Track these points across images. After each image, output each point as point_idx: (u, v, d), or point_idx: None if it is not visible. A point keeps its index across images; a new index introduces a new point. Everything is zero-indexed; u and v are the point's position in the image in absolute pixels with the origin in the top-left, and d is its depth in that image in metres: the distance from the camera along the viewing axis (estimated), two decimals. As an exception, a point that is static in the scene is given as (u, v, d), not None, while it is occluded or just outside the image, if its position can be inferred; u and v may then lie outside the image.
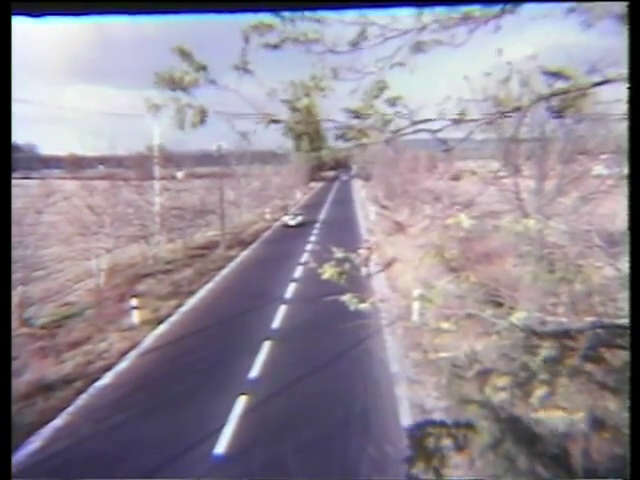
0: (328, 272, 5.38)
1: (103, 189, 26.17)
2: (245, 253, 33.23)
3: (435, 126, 4.40)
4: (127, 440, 11.07)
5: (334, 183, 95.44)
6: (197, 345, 16.79)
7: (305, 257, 27.78)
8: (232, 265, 29.70)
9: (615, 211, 12.91)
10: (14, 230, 17.04)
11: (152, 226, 29.67)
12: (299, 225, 43.16)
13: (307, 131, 4.34)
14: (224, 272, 27.87)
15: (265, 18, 4.02)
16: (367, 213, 48.49)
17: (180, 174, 38.82)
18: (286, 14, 3.97)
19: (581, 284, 6.75)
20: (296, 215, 45.41)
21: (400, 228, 35.67)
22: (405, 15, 4.00)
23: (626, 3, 1.92)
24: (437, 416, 11.35)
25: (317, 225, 43.18)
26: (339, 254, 5.36)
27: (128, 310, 19.04)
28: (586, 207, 14.42)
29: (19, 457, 10.35)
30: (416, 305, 13.83)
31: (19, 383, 12.86)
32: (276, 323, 18.72)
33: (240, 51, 4.19)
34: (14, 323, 16.67)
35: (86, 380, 14.20)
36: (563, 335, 5.91)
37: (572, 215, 13.49)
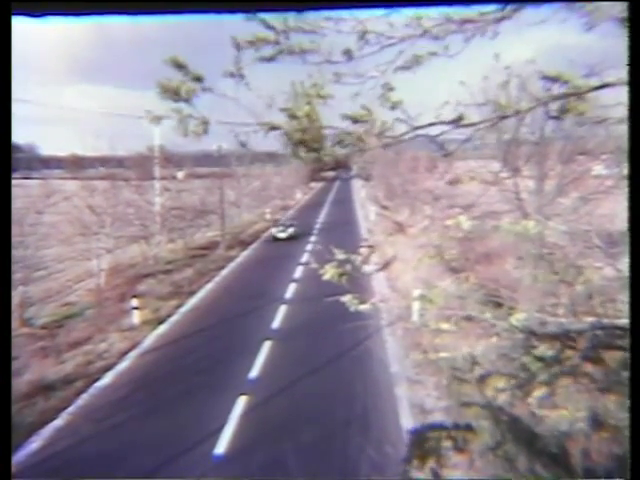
0: (329, 273, 5.39)
1: (103, 189, 26.18)
2: (245, 253, 33.23)
3: (434, 131, 4.40)
4: (127, 440, 11.08)
5: (334, 183, 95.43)
6: (197, 345, 16.81)
7: (305, 257, 27.76)
8: (232, 265, 29.71)
9: (615, 211, 12.91)
10: (15, 230, 17.06)
11: (152, 226, 29.68)
12: (290, 238, 36.91)
13: (306, 138, 4.35)
14: (224, 272, 27.87)
15: (259, 32, 4.02)
16: (367, 213, 48.47)
17: (180, 174, 38.81)
18: (280, 26, 3.97)
19: (581, 285, 6.75)
20: (286, 226, 38.81)
21: (400, 228, 35.66)
22: (401, 22, 4.00)
23: (626, 3, 1.92)
24: (437, 416, 11.36)
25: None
26: (340, 255, 5.37)
27: (128, 310, 19.06)
28: (586, 207, 14.41)
29: (19, 457, 10.37)
30: (416, 305, 13.84)
31: (19, 383, 12.87)
32: (276, 323, 18.73)
33: (237, 58, 4.20)
34: (14, 323, 16.69)
35: (86, 380, 14.21)
36: (563, 336, 5.92)
37: (572, 215, 13.49)
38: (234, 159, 43.41)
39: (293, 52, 4.16)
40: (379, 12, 3.78)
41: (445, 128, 4.42)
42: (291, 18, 3.97)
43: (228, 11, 1.77)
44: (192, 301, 22.29)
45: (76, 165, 31.94)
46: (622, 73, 3.52)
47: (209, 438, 11.13)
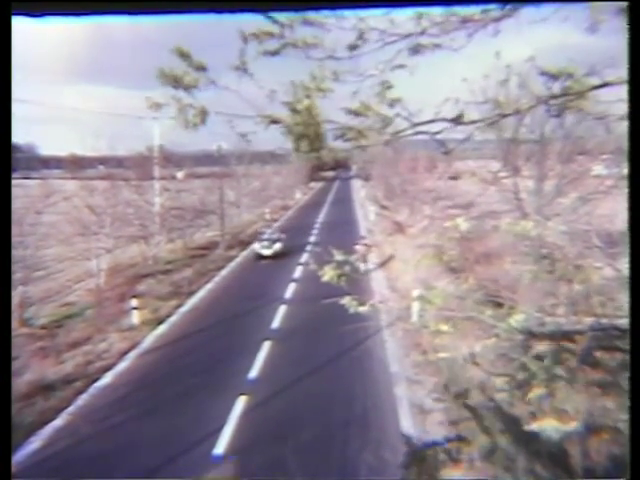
0: (328, 274, 5.38)
1: (103, 189, 26.17)
2: (245, 253, 33.22)
3: (434, 128, 4.40)
4: (127, 440, 11.08)
5: (334, 183, 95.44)
6: (197, 345, 16.80)
7: (305, 257, 27.76)
8: (232, 265, 29.70)
9: (614, 211, 12.92)
10: (14, 230, 17.04)
11: (152, 226, 29.68)
12: (277, 256, 30.20)
13: (307, 132, 4.35)
14: (224, 272, 27.87)
15: (264, 26, 4.03)
16: (367, 213, 48.45)
17: (180, 174, 38.80)
18: (284, 20, 3.98)
19: (580, 285, 6.75)
20: (273, 241, 31.32)
21: (400, 228, 35.65)
22: (404, 19, 4.00)
23: (626, 3, 1.92)
24: (436, 416, 11.35)
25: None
26: (339, 256, 5.36)
27: (128, 310, 19.05)
28: (585, 207, 14.44)
29: (19, 457, 10.36)
30: (415, 306, 13.83)
31: (19, 383, 12.87)
32: (276, 323, 18.72)
33: (240, 52, 4.20)
34: (14, 323, 16.68)
35: (86, 380, 14.21)
36: (562, 336, 5.92)
37: (571, 215, 13.51)
38: (234, 159, 43.36)
39: (297, 46, 4.16)
40: (380, 11, 3.79)
41: (445, 125, 4.43)
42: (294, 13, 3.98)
43: (229, 11, 1.77)
44: (192, 301, 22.29)
45: (76, 165, 31.93)
46: (622, 72, 3.53)
47: (209, 438, 11.13)
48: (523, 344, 6.17)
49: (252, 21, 4.05)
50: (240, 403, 12.66)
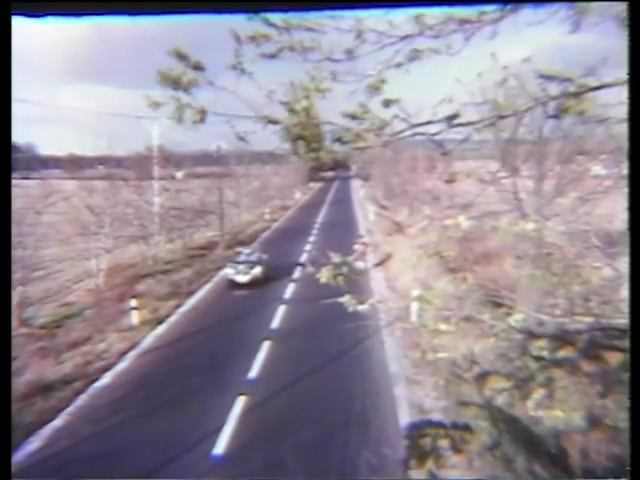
0: (325, 276, 5.39)
1: (102, 189, 26.19)
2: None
3: (433, 129, 4.41)
4: (126, 440, 11.07)
5: (333, 183, 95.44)
6: (196, 345, 16.79)
7: (304, 257, 27.75)
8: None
9: (613, 211, 12.92)
10: (13, 230, 17.04)
11: (151, 226, 29.68)
12: (256, 283, 23.69)
13: (305, 134, 4.36)
14: (223, 272, 27.83)
15: (261, 28, 4.03)
16: (366, 213, 48.45)
17: (179, 174, 38.81)
18: (281, 23, 3.98)
19: (579, 285, 6.76)
20: (251, 264, 24.45)
21: (399, 228, 35.67)
22: (402, 21, 4.01)
23: (626, 3, 1.93)
24: (435, 416, 11.36)
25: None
26: (336, 259, 5.37)
27: (127, 310, 19.05)
28: (584, 207, 14.42)
29: (18, 457, 10.36)
30: (415, 306, 13.83)
31: (18, 383, 12.86)
32: (275, 323, 18.72)
33: (236, 53, 4.21)
34: (13, 323, 16.67)
35: (85, 380, 14.21)
36: (561, 336, 5.93)
37: (570, 215, 13.49)
38: (233, 159, 43.38)
39: (294, 49, 4.17)
40: (379, 12, 3.79)
41: (443, 127, 4.43)
42: (292, 16, 3.98)
43: (228, 11, 1.78)
44: (191, 301, 22.28)
45: (75, 165, 31.99)
46: (620, 73, 3.53)
47: (208, 438, 11.13)
48: (522, 344, 6.19)
49: (249, 24, 4.05)
50: (240, 403, 12.66)
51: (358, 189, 76.00)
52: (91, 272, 23.33)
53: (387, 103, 4.36)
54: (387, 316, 14.85)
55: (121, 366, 15.38)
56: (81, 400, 13.21)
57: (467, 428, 6.94)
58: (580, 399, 6.32)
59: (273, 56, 4.20)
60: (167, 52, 4.19)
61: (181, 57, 4.22)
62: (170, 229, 31.88)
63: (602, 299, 6.84)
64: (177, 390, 13.36)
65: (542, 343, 5.96)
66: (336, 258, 5.41)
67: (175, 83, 4.24)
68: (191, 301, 22.30)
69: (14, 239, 17.46)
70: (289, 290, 22.89)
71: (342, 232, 35.65)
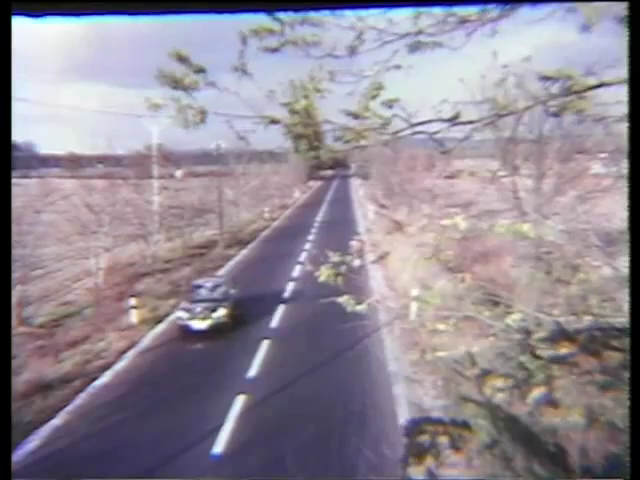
0: (324, 274, 5.40)
1: (102, 188, 26.19)
2: (244, 252, 33.21)
3: (433, 128, 4.41)
4: (126, 439, 11.07)
5: (333, 182, 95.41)
6: (195, 344, 16.78)
7: (303, 257, 27.75)
8: (230, 264, 29.67)
9: (613, 210, 12.93)
10: (13, 229, 17.02)
11: (151, 225, 29.64)
12: (220, 330, 17.29)
13: (305, 133, 4.36)
14: (222, 271, 27.83)
15: (264, 22, 4.03)
16: (365, 212, 48.43)
17: (179, 173, 38.83)
18: (285, 18, 3.98)
19: (578, 284, 6.77)
20: (213, 304, 17.81)
21: (398, 227, 35.65)
22: (402, 18, 4.01)
23: (626, 3, 1.93)
24: (435, 415, 11.36)
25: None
26: (335, 258, 5.38)
27: (127, 309, 19.04)
28: (584, 206, 14.43)
29: (18, 456, 10.35)
30: (414, 305, 13.84)
31: (18, 382, 12.85)
32: (274, 322, 18.71)
33: (239, 53, 4.21)
34: (13, 322, 16.66)
35: (85, 379, 14.21)
36: (560, 335, 5.94)
37: (570, 214, 13.50)
38: (233, 158, 43.34)
39: (297, 44, 4.17)
40: (379, 10, 3.79)
41: (443, 125, 4.44)
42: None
43: (228, 11, 1.78)
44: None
45: (74, 164, 31.93)
46: (619, 72, 3.54)
47: (207, 437, 11.13)
48: (521, 343, 6.19)
49: (252, 18, 4.05)
50: (239, 402, 12.66)
51: (357, 188, 75.97)
52: (90, 271, 23.32)
53: (387, 103, 4.37)
54: (386, 315, 14.87)
55: (120, 365, 15.38)
56: (80, 399, 13.21)
57: (466, 425, 6.96)
58: (579, 397, 6.33)
59: (275, 50, 4.20)
60: (168, 54, 4.19)
61: (182, 59, 4.22)
62: (169, 228, 31.86)
63: (601, 298, 6.84)
64: (176, 389, 13.37)
65: (541, 342, 5.97)
66: (335, 257, 5.41)
67: (175, 84, 4.24)
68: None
69: (13, 238, 17.44)
70: (288, 289, 22.83)
71: (341, 231, 35.62)
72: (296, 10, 3.56)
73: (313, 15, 4.01)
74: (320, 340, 16.38)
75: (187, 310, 17.57)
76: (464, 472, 7.47)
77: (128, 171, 30.12)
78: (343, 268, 5.42)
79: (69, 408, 12.70)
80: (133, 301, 19.05)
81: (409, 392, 13.03)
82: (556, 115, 4.42)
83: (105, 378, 14.46)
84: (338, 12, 3.89)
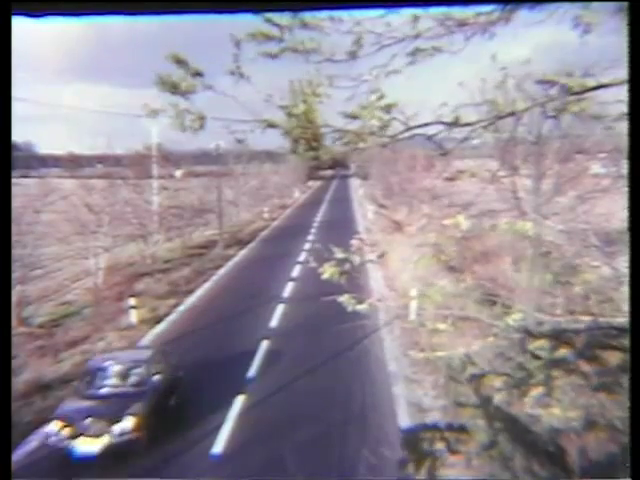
0: (328, 272, 5.41)
1: (101, 188, 26.16)
2: (243, 252, 33.20)
3: (431, 131, 4.42)
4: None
5: (332, 182, 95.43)
6: (195, 344, 16.78)
7: (303, 256, 27.75)
8: (230, 264, 29.69)
9: (612, 210, 12.93)
10: (12, 229, 17.02)
11: (150, 225, 29.65)
12: (117, 455, 10.19)
13: (304, 135, 4.37)
14: (222, 271, 27.85)
15: (262, 27, 4.04)
16: (365, 212, 48.44)
17: (178, 173, 38.79)
18: (283, 22, 3.99)
19: (578, 284, 6.78)
20: (117, 409, 10.65)
21: (398, 227, 35.66)
22: (401, 22, 4.01)
23: (626, 3, 1.93)
24: (434, 415, 11.37)
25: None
26: (339, 254, 5.39)
27: (126, 309, 19.04)
28: (583, 206, 14.43)
29: (17, 456, 10.35)
30: (414, 304, 13.84)
31: (17, 382, 12.86)
32: (274, 322, 18.72)
33: (233, 57, 4.21)
34: (12, 322, 16.66)
35: (84, 379, 14.17)
36: (559, 335, 5.94)
37: (569, 214, 13.51)
38: (232, 158, 43.36)
39: (296, 50, 4.18)
40: (377, 12, 3.79)
41: (442, 127, 4.44)
42: (293, 15, 3.98)
43: (228, 11, 1.78)
44: (190, 300, 22.28)
45: (74, 164, 31.85)
46: (618, 73, 3.54)
47: (207, 437, 11.13)
48: (521, 343, 6.20)
49: (251, 22, 4.05)
50: (238, 402, 12.65)
51: (357, 188, 75.98)
52: (90, 271, 23.32)
53: (386, 108, 4.38)
54: (386, 315, 14.87)
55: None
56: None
57: (463, 429, 6.96)
58: (578, 398, 6.33)
59: (274, 56, 4.21)
60: (166, 57, 4.19)
61: (180, 63, 4.23)
62: (169, 228, 31.87)
63: (601, 298, 6.86)
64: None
65: (540, 342, 5.98)
66: (339, 254, 5.43)
67: (174, 88, 4.25)
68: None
69: (13, 238, 17.43)
70: (288, 289, 22.83)
71: (341, 231, 35.62)
72: (294, 11, 3.56)
73: (311, 19, 4.01)
74: (320, 340, 16.37)
75: (68, 420, 10.54)
76: (463, 472, 7.47)
77: (127, 171, 30.09)
78: (347, 266, 5.44)
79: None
80: (132, 301, 19.06)
81: (408, 392, 13.04)
82: (554, 117, 4.43)
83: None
84: (336, 15, 3.90)
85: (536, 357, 6.05)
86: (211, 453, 10.66)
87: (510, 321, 5.74)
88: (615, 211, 12.34)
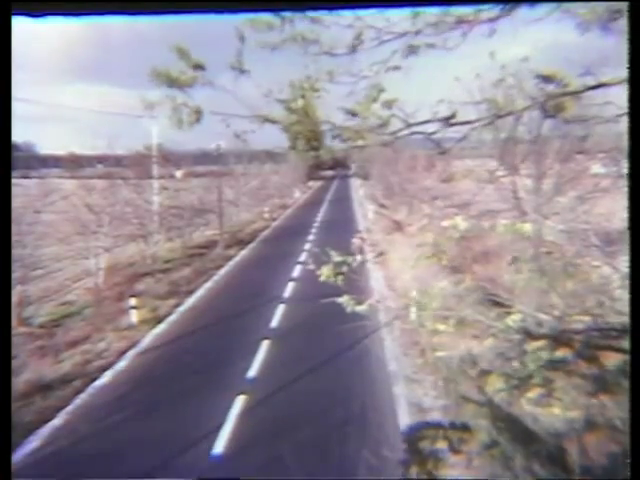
0: (325, 274, 5.40)
1: (102, 188, 26.16)
2: (244, 252, 33.20)
3: (431, 128, 4.42)
4: (126, 439, 11.07)
5: (333, 182, 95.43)
6: (196, 344, 16.80)
7: (304, 256, 27.74)
8: (231, 264, 29.69)
9: (613, 210, 12.93)
10: (13, 229, 17.02)
11: (151, 225, 29.64)
12: None
13: (303, 132, 4.37)
14: (223, 271, 27.85)
15: (262, 15, 4.04)
16: (365, 212, 48.44)
17: (179, 173, 38.82)
18: (285, 14, 3.98)
19: (578, 284, 6.77)
20: None
21: (398, 227, 35.66)
22: (401, 18, 4.02)
23: (626, 3, 1.93)
24: (435, 415, 11.37)
25: None
26: (337, 257, 5.38)
27: (127, 309, 19.04)
28: (583, 206, 14.45)
29: (17, 457, 10.35)
30: (414, 305, 13.79)
31: (18, 382, 12.86)
32: (274, 322, 18.72)
33: (237, 50, 4.21)
34: (13, 322, 16.66)
35: (85, 379, 14.20)
36: (559, 336, 5.93)
37: (569, 214, 13.51)
38: (232, 158, 43.37)
39: (296, 41, 4.17)
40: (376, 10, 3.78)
41: (441, 126, 4.44)
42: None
43: (228, 11, 1.78)
44: (190, 300, 22.28)
45: (74, 164, 31.88)
46: (618, 72, 3.54)
47: (207, 438, 11.13)
48: (521, 343, 6.19)
49: (251, 15, 4.04)
50: (239, 402, 12.66)
51: (357, 188, 75.97)
52: (90, 271, 23.32)
53: (386, 104, 4.37)
54: (386, 315, 14.86)
55: (120, 365, 15.37)
56: (80, 399, 13.20)
57: (465, 428, 6.95)
58: (578, 398, 6.33)
59: (275, 47, 4.20)
60: (169, 49, 4.19)
61: (183, 54, 4.22)
62: (169, 228, 31.86)
63: (601, 298, 6.84)
64: (176, 389, 13.36)
65: (540, 343, 5.97)
66: (337, 257, 5.42)
67: (170, 81, 4.24)
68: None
69: (13, 238, 17.44)
70: (288, 289, 22.83)
71: (341, 231, 35.59)
72: (295, 10, 3.56)
73: (312, 13, 4.01)
74: (320, 340, 16.38)
75: None
76: (464, 472, 7.47)
77: (128, 171, 30.09)
78: (344, 268, 5.43)
79: (69, 408, 12.69)
80: (133, 301, 19.05)
81: (409, 392, 13.04)
82: (553, 116, 4.42)
83: (105, 378, 14.45)
84: (335, 12, 3.90)
85: (536, 358, 6.05)
86: (211, 453, 10.66)
87: (510, 321, 5.73)
88: (615, 211, 12.34)
